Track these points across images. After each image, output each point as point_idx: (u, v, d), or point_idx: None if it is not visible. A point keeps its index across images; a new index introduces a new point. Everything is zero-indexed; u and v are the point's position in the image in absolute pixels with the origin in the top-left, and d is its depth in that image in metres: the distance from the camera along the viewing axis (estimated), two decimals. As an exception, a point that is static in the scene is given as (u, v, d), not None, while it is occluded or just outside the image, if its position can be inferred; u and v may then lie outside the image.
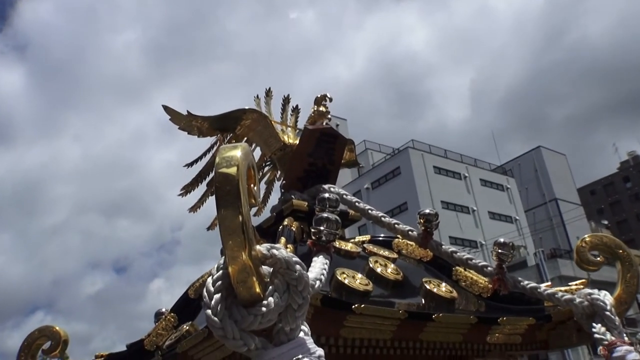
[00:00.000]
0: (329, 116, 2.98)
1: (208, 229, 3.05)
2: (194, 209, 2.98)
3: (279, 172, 3.11)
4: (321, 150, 2.77)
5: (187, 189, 2.88)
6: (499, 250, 2.01)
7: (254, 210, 3.15)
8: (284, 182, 2.77)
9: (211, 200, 2.82)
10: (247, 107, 2.80)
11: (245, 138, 2.82)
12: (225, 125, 2.75)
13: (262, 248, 1.24)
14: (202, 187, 2.94)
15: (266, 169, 3.15)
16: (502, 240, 2.05)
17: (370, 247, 2.38)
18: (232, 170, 1.28)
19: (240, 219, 1.23)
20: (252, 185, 1.40)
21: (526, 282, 2.03)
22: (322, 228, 1.83)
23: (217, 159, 1.32)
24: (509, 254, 2.00)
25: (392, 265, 2.17)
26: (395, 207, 25.71)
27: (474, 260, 2.15)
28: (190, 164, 2.85)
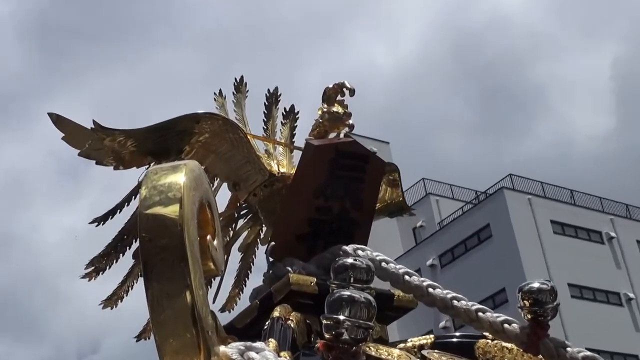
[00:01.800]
0: (350, 122, 3.06)
1: (138, 338, 3.03)
2: (111, 302, 2.97)
3: (262, 228, 3.22)
4: (339, 183, 2.85)
5: (98, 265, 2.90)
6: (531, 299, 2.19)
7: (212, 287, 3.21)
8: (273, 243, 2.81)
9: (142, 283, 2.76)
10: (202, 112, 2.86)
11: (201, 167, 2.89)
12: (165, 145, 2.82)
13: (230, 351, 1.25)
14: (126, 260, 3.01)
15: (240, 222, 3.24)
16: (535, 284, 2.21)
17: (434, 356, 2.32)
18: (171, 209, 1.33)
19: (189, 299, 1.25)
20: (209, 239, 1.48)
21: (576, 349, 2.15)
22: (342, 317, 1.82)
23: (142, 191, 1.35)
24: (549, 303, 2.16)
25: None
26: (485, 298, 25.43)
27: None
28: (102, 219, 2.88)
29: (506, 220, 27.73)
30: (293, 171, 3.06)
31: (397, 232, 31.35)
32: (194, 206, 1.40)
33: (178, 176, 1.40)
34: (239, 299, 3.31)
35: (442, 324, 25.04)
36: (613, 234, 30.02)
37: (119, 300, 3.03)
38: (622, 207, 31.73)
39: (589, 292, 27.99)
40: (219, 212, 3.16)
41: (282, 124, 3.37)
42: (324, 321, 1.84)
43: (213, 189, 3.14)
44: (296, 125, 3.39)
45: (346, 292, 1.88)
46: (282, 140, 3.29)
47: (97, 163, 2.80)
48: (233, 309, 3.30)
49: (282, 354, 1.80)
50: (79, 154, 2.77)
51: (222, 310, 3.27)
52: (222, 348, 1.31)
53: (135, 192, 2.84)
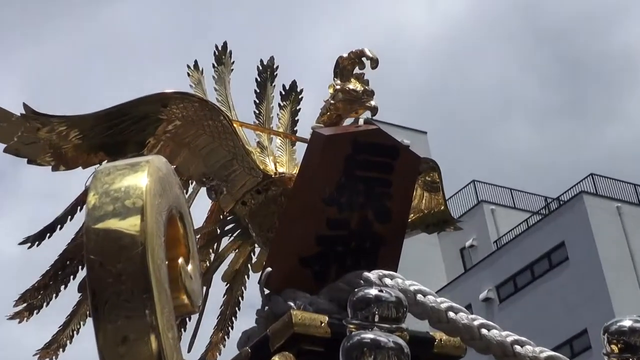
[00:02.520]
0: (372, 103, 3.09)
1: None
2: (49, 351, 2.98)
3: (255, 249, 3.26)
4: (357, 187, 2.87)
5: (31, 301, 2.93)
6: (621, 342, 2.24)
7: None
8: (269, 270, 2.83)
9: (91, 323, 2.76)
10: (171, 91, 2.91)
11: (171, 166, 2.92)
12: (121, 137, 2.86)
13: None
14: (70, 294, 3.03)
15: (224, 241, 3.26)
16: (627, 322, 2.27)
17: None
18: (129, 223, 1.35)
19: (154, 345, 1.28)
20: (181, 263, 1.51)
21: None
22: (365, 369, 1.85)
23: (90, 198, 1.36)
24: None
25: None
26: (561, 343, 25.42)
27: None
28: (36, 239, 2.90)
29: (587, 237, 27.68)
30: (295, 171, 3.09)
31: (438, 255, 31.44)
32: (160, 218, 1.42)
33: (139, 177, 1.42)
34: (224, 345, 3.33)
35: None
36: None
37: (60, 350, 3.07)
38: None
39: None
40: (196, 227, 3.20)
41: (281, 108, 3.39)
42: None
43: (187, 195, 3.17)
44: (299, 109, 3.41)
45: (369, 335, 1.91)
46: (281, 130, 3.32)
47: (29, 162, 2.82)
48: (216, 357, 3.32)
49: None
50: (5, 150, 2.79)
51: (202, 359, 3.30)
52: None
53: (81, 200, 2.85)
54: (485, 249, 30.82)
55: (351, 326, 2.13)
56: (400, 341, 1.91)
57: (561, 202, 30.88)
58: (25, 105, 2.78)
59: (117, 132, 2.86)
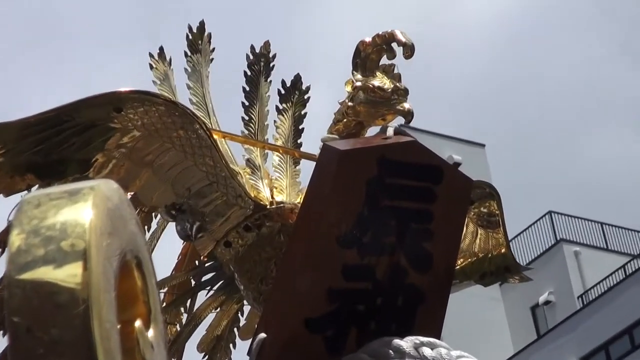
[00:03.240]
0: (406, 106, 3.10)
1: None
2: None
3: (243, 307, 3.32)
4: (385, 222, 2.89)
5: None
6: None
7: None
8: (263, 337, 2.83)
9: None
10: (127, 90, 2.94)
11: (126, 193, 2.96)
12: (58, 154, 2.89)
13: None
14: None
15: (201, 297, 3.30)
16: None
17: None
18: (67, 273, 1.35)
19: None
20: (138, 327, 1.51)
21: None
22: None
23: (12, 239, 1.37)
24: None
25: None
26: None
27: None
28: None
29: None
30: (300, 200, 3.09)
31: (502, 314, 31.29)
32: (109, 266, 1.43)
33: (80, 210, 1.43)
34: None
35: None
36: None
37: None
38: None
39: None
40: (161, 277, 3.22)
41: (280, 112, 3.40)
42: None
43: (149, 234, 3.19)
44: (305, 114, 3.41)
45: None
46: (279, 142, 3.32)
47: None
48: None
49: None
50: None
51: None
52: None
53: (1, 241, 2.86)
54: (567, 307, 30.65)
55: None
56: None
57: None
58: None
59: (52, 146, 2.88)
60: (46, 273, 1.36)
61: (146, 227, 3.21)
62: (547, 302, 31.39)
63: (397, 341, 2.73)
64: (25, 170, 2.88)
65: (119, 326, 1.44)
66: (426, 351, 2.67)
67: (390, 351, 2.69)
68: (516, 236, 30.42)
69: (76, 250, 1.38)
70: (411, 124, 3.13)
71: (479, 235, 3.42)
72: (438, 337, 2.83)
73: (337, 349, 2.85)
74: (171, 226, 3.19)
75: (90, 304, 1.37)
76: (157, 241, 3.19)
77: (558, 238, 32.29)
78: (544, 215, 32.90)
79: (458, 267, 3.14)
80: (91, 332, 1.35)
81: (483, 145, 34.11)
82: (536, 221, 32.63)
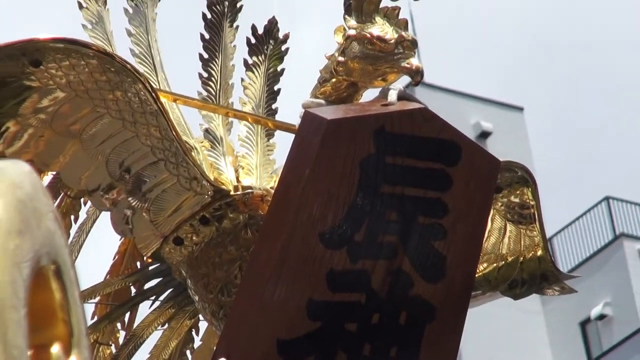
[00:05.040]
0: (414, 62, 3.09)
1: None
2: None
3: (199, 322, 3.36)
4: (385, 212, 2.94)
5: None
6: None
7: None
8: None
9: None
10: (47, 37, 2.96)
11: (41, 176, 3.03)
12: None
13: None
14: None
15: (144, 312, 3.32)
16: None
17: None
18: None
19: None
20: (56, 354, 1.54)
21: None
22: None
23: None
24: None
25: None
26: None
27: None
28: None
29: None
30: (273, 184, 3.13)
31: (543, 330, 31.31)
32: (17, 274, 1.43)
33: None
34: None
35: None
36: None
37: None
38: None
39: None
40: (89, 285, 3.23)
41: (249, 68, 3.39)
42: None
43: (76, 228, 3.20)
44: (282, 70, 3.41)
45: None
46: (248, 108, 3.31)
47: None
48: None
49: None
50: None
51: None
52: None
53: None
54: (628, 321, 30.86)
55: None
56: None
57: None
58: None
59: None
60: None
61: (72, 217, 3.21)
62: (602, 316, 31.48)
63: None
64: None
65: (29, 352, 1.44)
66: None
67: None
68: (560, 231, 30.44)
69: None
70: (425, 80, 3.12)
71: (507, 233, 3.42)
72: None
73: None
74: (105, 216, 3.18)
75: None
76: (86, 236, 3.19)
77: (617, 232, 32.37)
78: (600, 202, 32.98)
79: (480, 273, 3.14)
80: (-7, 362, 1.37)
81: (521, 109, 34.00)
82: (588, 210, 32.68)
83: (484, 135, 29.35)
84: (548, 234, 3.72)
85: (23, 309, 1.44)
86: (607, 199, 33.20)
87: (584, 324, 32.21)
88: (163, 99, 3.07)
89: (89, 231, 3.21)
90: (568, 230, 30.17)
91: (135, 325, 3.34)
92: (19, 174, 1.49)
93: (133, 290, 3.33)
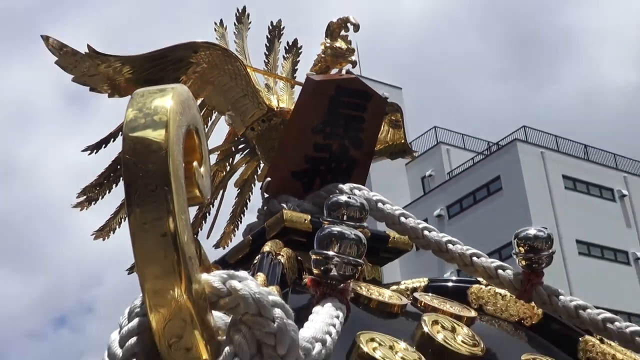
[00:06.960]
0: (352, 58, 3.04)
1: (130, 271, 3.09)
2: (102, 233, 3.01)
3: (260, 164, 3.21)
4: (338, 121, 2.86)
5: (89, 194, 2.92)
6: (526, 246, 2.21)
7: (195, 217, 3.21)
8: (269, 180, 2.83)
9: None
10: (201, 41, 2.86)
11: (198, 99, 2.90)
12: (160, 74, 2.83)
13: (212, 278, 1.25)
14: (121, 191, 3.01)
15: (237, 157, 3.21)
16: (532, 231, 2.21)
17: (426, 298, 2.36)
18: (157, 134, 1.31)
19: (171, 225, 1.22)
20: (195, 165, 1.44)
21: (568, 298, 2.20)
22: (331, 253, 1.81)
23: (127, 113, 1.34)
24: (544, 250, 2.19)
25: (466, 331, 2.14)
26: (492, 251, 25.64)
27: (622, 324, 2.10)
28: (95, 148, 2.90)
29: (517, 174, 27.72)
30: (292, 107, 3.04)
31: (405, 181, 31.33)
32: (180, 131, 1.36)
33: (165, 99, 1.37)
34: (234, 235, 3.32)
35: (446, 275, 25.39)
36: (625, 192, 30.07)
37: (111, 232, 3.07)
38: (636, 165, 31.63)
39: (597, 250, 28.19)
40: (217, 145, 3.19)
41: (284, 59, 3.35)
42: (313, 257, 1.85)
43: (211, 122, 3.17)
44: (298, 60, 3.36)
45: (336, 228, 1.86)
46: (283, 75, 3.28)
47: (91, 89, 2.81)
48: (228, 245, 3.28)
49: (269, 288, 1.83)
50: (73, 79, 2.79)
51: (217, 246, 3.31)
52: (204, 275, 1.32)
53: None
54: (440, 179, 30.78)
55: (325, 223, 2.13)
56: (360, 235, 1.91)
57: (499, 146, 30.80)
58: (88, 47, 2.77)
59: (157, 70, 2.83)
60: (144, 133, 1.33)
61: (210, 116, 3.17)
62: (430, 175, 31.36)
63: (341, 185, 2.75)
64: (143, 82, 2.85)
65: (184, 164, 1.41)
66: (356, 191, 2.68)
67: (336, 190, 2.70)
68: (416, 138, 30.32)
69: (162, 121, 1.34)
70: (355, 70, 3.07)
71: (389, 132, 3.38)
72: (363, 185, 2.83)
73: (308, 189, 2.86)
74: (222, 121, 3.13)
75: (168, 151, 1.33)
76: (215, 125, 3.15)
77: (438, 141, 32.19)
78: (431, 129, 32.75)
79: (377, 148, 3.12)
80: (168, 165, 1.32)
81: (400, 88, 33.49)
82: (427, 131, 32.47)
83: (384, 97, 29.11)
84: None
85: (182, 145, 1.36)
86: (434, 127, 32.78)
87: (423, 179, 31.86)
88: (248, 70, 3.02)
89: (216, 123, 3.16)
90: (416, 142, 29.78)
91: (234, 163, 3.23)
92: (181, 89, 1.45)
93: (233, 148, 3.22)
